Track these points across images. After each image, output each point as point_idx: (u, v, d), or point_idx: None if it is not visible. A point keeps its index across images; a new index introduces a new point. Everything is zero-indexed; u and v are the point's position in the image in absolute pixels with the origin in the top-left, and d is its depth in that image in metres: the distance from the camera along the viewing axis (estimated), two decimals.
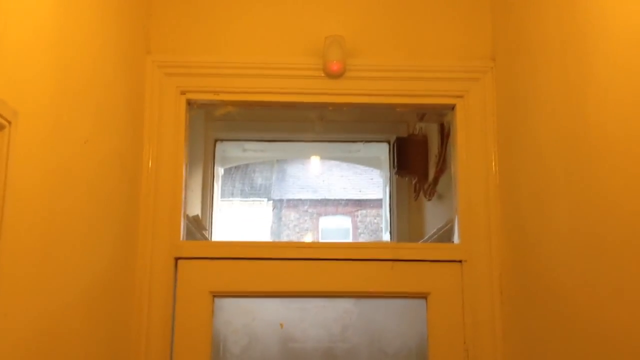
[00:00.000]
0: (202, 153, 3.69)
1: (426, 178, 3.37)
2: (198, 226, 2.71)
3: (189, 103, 2.36)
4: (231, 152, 3.99)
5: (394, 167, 3.51)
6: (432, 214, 3.34)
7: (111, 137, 1.91)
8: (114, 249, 1.96)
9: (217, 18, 2.36)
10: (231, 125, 3.72)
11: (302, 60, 2.34)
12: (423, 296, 2.26)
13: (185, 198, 2.33)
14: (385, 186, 4.04)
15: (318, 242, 2.89)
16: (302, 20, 2.38)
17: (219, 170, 4.01)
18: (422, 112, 3.10)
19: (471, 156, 2.34)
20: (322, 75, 2.33)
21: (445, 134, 2.94)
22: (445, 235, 2.69)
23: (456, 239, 2.35)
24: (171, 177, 2.27)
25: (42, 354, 1.45)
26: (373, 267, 2.27)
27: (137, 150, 2.21)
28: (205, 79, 2.33)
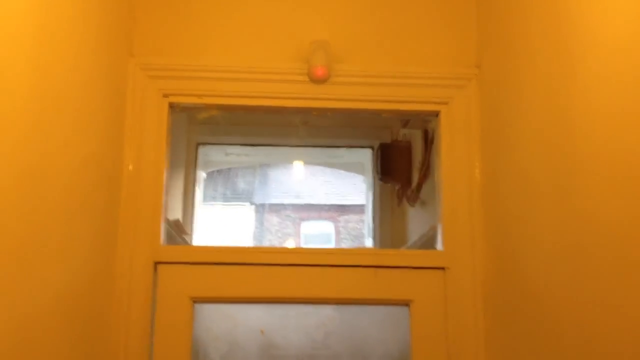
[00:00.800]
0: (184, 157, 3.66)
1: (409, 184, 3.37)
2: (179, 230, 2.68)
3: (172, 106, 2.33)
4: (213, 155, 3.96)
5: (377, 173, 3.51)
6: (415, 221, 3.34)
7: (89, 140, 1.87)
8: (92, 253, 1.93)
9: (202, 21, 2.34)
10: (214, 129, 3.69)
11: (286, 65, 2.32)
12: (406, 303, 2.25)
13: (166, 202, 2.30)
14: (369, 192, 4.03)
15: (300, 248, 2.87)
16: (288, 24, 2.36)
17: (201, 174, 3.98)
18: (407, 119, 3.10)
19: (455, 163, 2.33)
20: (307, 80, 2.32)
21: (429, 141, 2.94)
22: (428, 242, 2.69)
23: (439, 245, 2.34)
24: (152, 181, 2.24)
25: (13, 359, 1.41)
26: (356, 273, 2.25)
27: (117, 153, 2.18)
28: (189, 82, 2.30)
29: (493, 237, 2.19)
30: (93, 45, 1.91)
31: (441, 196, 2.34)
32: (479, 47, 2.37)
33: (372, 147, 3.84)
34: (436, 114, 2.40)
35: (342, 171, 4.50)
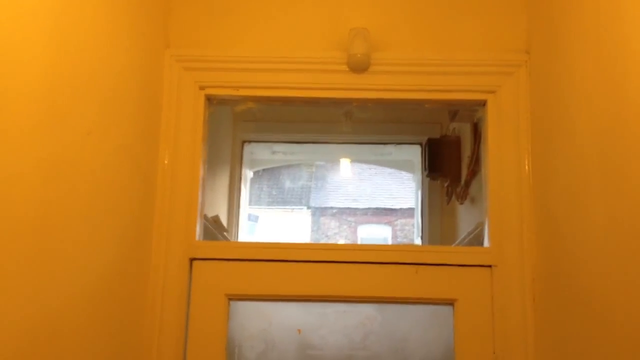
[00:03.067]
0: (229, 154, 3.63)
1: (459, 181, 3.23)
2: (218, 227, 2.63)
3: (208, 99, 2.29)
4: (260, 154, 3.92)
5: (425, 170, 3.38)
6: (465, 219, 3.20)
7: (120, 131, 1.84)
8: (123, 248, 1.89)
9: (238, 11, 2.28)
10: (259, 126, 3.65)
11: (325, 54, 2.24)
12: (450, 303, 2.13)
13: (202, 197, 2.25)
14: (418, 190, 3.91)
15: (338, 244, 2.76)
16: (325, 12, 2.28)
17: (247, 173, 3.95)
18: (454, 111, 2.97)
19: (503, 155, 2.20)
20: (346, 69, 2.23)
21: (478, 134, 2.81)
22: (475, 240, 2.55)
23: (486, 242, 2.21)
24: (188, 175, 2.20)
25: (39, 354, 1.38)
26: (396, 270, 2.15)
27: (152, 146, 2.15)
28: (225, 73, 2.25)
29: (543, 233, 2.05)
30: (127, 35, 1.88)
31: (488, 191, 2.21)
32: (528, 32, 2.23)
33: (420, 144, 3.72)
34: (483, 104, 2.28)
35: (391, 170, 4.37)
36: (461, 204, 3.20)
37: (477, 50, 2.25)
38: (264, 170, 4.57)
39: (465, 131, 3.19)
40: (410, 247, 2.24)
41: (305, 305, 2.19)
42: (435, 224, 3.63)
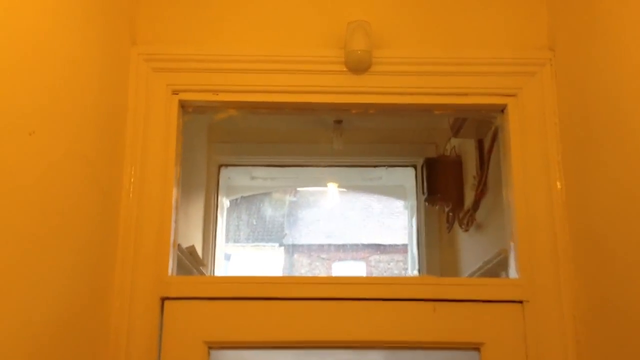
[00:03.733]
0: (203, 179, 3.26)
1: (462, 205, 2.91)
2: (195, 260, 2.24)
3: (183, 105, 1.94)
4: (238, 179, 3.55)
5: (423, 193, 3.05)
6: (470, 248, 2.87)
7: (72, 135, 1.47)
8: (76, 283, 1.50)
9: (217, 2, 1.95)
10: (236, 147, 3.30)
11: (319, 52, 1.92)
12: (475, 347, 1.77)
13: (176, 222, 1.88)
14: (412, 218, 3.57)
15: (338, 277, 2.39)
16: (319, 2, 1.96)
17: (224, 202, 3.57)
18: (458, 126, 2.66)
19: (529, 169, 1.88)
20: (344, 69, 1.91)
21: (487, 150, 2.50)
22: (494, 271, 2.22)
23: (513, 272, 1.87)
24: (158, 196, 1.83)
25: None
26: (410, 308, 1.79)
27: (115, 159, 1.78)
28: (202, 75, 1.91)
29: (583, 259, 1.73)
30: (83, 25, 1.53)
31: (513, 211, 1.88)
32: (552, 25, 1.95)
33: (414, 166, 3.39)
34: (502, 109, 1.96)
35: (381, 196, 4.03)
36: (465, 231, 2.87)
37: (493, 47, 1.95)
38: (242, 197, 4.19)
39: (466, 150, 2.88)
40: (425, 280, 1.89)
41: (301, 353, 1.81)
42: (433, 256, 3.29)
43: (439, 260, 3.24)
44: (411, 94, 1.93)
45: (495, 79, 1.92)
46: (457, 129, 2.64)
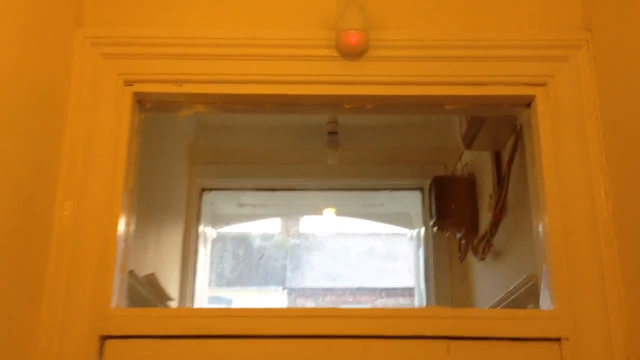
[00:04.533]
0: (183, 205, 2.90)
1: (476, 230, 2.54)
2: (156, 292, 1.86)
3: (139, 100, 1.60)
4: (223, 206, 3.18)
5: (431, 217, 2.67)
6: (487, 280, 2.48)
7: None
8: None
9: None
10: (222, 169, 2.95)
11: (304, 34, 1.59)
12: None
13: (126, 243, 1.51)
14: (418, 249, 3.18)
15: (325, 309, 1.99)
16: None
17: (209, 232, 3.20)
18: (470, 137, 2.30)
19: (565, 176, 1.53)
20: (335, 54, 1.57)
21: (506, 162, 2.14)
22: (519, 302, 1.83)
23: (546, 303, 1.50)
24: (103, 212, 1.47)
25: None
26: (417, 349, 1.42)
27: (46, 162, 1.42)
28: (162, 63, 1.57)
29: (638, 284, 1.35)
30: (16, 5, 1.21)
31: (546, 229, 1.52)
32: (586, 2, 1.61)
33: (421, 189, 3.02)
34: (528, 103, 1.61)
35: (383, 224, 3.65)
36: (481, 260, 2.49)
37: (518, 27, 1.62)
38: (238, 234, 3.82)
39: (480, 166, 2.52)
40: (437, 312, 1.50)
41: None
42: (443, 290, 2.90)
43: (450, 295, 2.84)
44: (417, 84, 1.59)
45: (520, 65, 1.59)
46: (470, 140, 2.27)
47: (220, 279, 3.74)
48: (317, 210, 3.28)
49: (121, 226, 1.49)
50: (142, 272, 1.80)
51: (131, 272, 1.60)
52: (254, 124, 2.86)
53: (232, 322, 1.44)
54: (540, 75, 1.58)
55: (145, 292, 1.76)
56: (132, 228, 1.56)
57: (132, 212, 1.56)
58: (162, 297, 1.95)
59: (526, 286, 1.74)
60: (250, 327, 1.42)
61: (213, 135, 2.83)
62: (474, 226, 2.52)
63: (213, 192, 2.98)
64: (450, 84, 1.59)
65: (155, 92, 1.58)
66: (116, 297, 1.46)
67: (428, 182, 2.84)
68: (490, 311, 1.93)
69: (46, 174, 1.42)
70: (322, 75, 1.57)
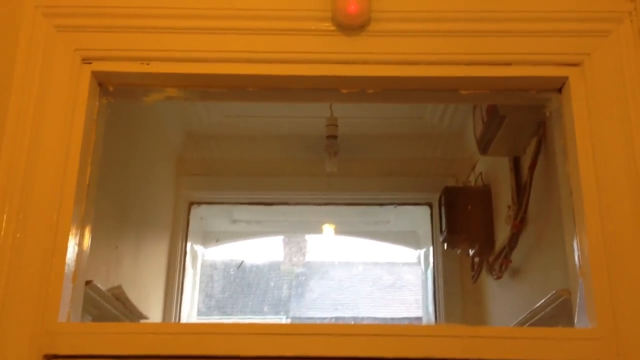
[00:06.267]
0: (169, 219, 2.65)
1: (491, 246, 2.28)
2: (125, 308, 1.60)
3: (100, 82, 1.36)
4: (214, 222, 2.94)
5: (441, 233, 2.41)
6: (504, 301, 2.21)
7: None
8: None
9: None
10: (212, 181, 2.71)
11: (295, 4, 1.36)
12: None
13: (79, 248, 1.27)
14: (427, 270, 2.91)
15: (318, 325, 1.70)
16: None
17: (198, 249, 2.94)
18: (487, 140, 2.06)
19: (605, 173, 1.28)
20: (331, 28, 1.34)
21: (528, 167, 1.89)
22: (547, 320, 1.57)
23: (584, 321, 1.25)
24: (50, 210, 1.24)
25: None
26: None
27: None
28: (127, 37, 1.34)
29: None
30: None
31: (582, 235, 1.26)
32: None
33: (429, 204, 2.77)
34: (559, 87, 1.37)
35: (387, 243, 3.38)
36: (497, 278, 2.23)
37: None
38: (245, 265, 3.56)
39: (496, 175, 2.28)
40: (453, 330, 1.24)
41: None
42: (454, 313, 2.62)
43: (462, 319, 2.57)
44: (428, 63, 1.35)
45: (550, 42, 1.35)
46: (486, 144, 2.02)
47: (210, 304, 3.46)
48: (316, 228, 3.02)
49: (73, 230, 1.25)
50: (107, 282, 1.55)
51: (89, 283, 1.35)
52: (248, 132, 2.63)
53: (203, 340, 1.18)
54: (575, 53, 1.34)
55: (113, 308, 1.50)
56: (88, 233, 1.32)
57: (88, 215, 1.32)
58: (132, 315, 1.69)
59: (555, 303, 1.48)
60: (224, 346, 1.17)
61: (203, 144, 2.59)
62: (489, 242, 2.27)
63: (203, 206, 2.73)
64: (467, 63, 1.35)
65: (119, 72, 1.35)
66: (65, 311, 1.21)
67: (437, 196, 2.58)
68: (516, 330, 1.66)
69: None
70: (315, 53, 1.34)
